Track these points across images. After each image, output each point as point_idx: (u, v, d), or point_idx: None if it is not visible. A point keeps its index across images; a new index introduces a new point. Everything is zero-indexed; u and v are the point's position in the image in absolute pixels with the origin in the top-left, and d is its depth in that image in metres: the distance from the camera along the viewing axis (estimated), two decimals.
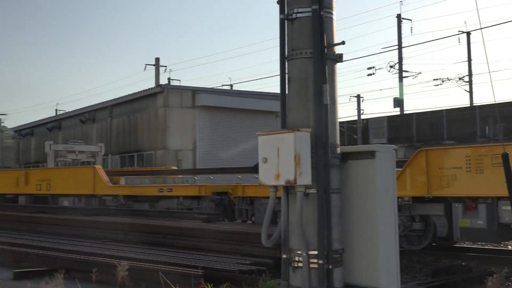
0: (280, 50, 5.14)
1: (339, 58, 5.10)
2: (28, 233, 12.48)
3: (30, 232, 12.64)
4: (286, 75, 5.07)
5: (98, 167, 16.47)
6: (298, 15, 4.96)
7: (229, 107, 28.03)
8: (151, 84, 43.24)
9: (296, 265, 4.77)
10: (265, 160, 4.76)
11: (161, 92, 27.03)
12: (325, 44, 4.93)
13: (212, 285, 6.46)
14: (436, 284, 7.75)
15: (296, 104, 4.95)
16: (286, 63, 5.10)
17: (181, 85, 29.18)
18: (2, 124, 23.68)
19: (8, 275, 8.16)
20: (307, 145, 4.69)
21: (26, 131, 40.62)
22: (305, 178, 4.62)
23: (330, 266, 4.70)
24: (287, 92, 5.06)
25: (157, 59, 38.83)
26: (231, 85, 36.85)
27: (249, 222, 13.06)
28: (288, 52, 5.08)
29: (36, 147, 39.02)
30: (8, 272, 8.39)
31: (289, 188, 4.86)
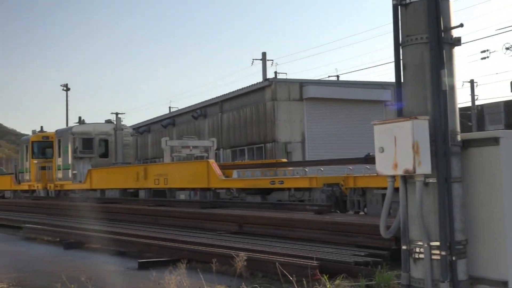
0: (394, 37, 4.97)
1: (457, 41, 4.85)
2: (148, 225, 13.08)
3: (151, 224, 13.24)
4: (401, 62, 4.90)
5: (211, 161, 16.90)
6: None
7: (336, 98, 27.76)
8: (259, 78, 43.78)
9: (417, 257, 4.62)
10: (382, 150, 4.64)
11: (269, 86, 27.27)
12: (442, 28, 4.71)
13: (327, 276, 6.41)
14: None
15: (413, 91, 4.77)
16: (401, 50, 4.93)
17: (288, 78, 29.25)
18: (122, 123, 24.95)
19: (133, 264, 8.60)
20: (426, 133, 4.51)
21: (143, 129, 42.64)
22: (425, 167, 4.45)
23: (454, 258, 4.50)
24: (402, 79, 4.90)
25: (264, 54, 39.20)
26: (338, 76, 36.43)
27: (362, 213, 12.87)
28: (402, 39, 4.91)
29: (153, 143, 40.85)
30: (133, 262, 8.84)
31: (407, 178, 4.70)
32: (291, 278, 5.89)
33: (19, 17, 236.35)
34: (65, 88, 53.85)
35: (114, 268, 8.46)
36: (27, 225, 14.07)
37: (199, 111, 34.16)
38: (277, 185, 14.59)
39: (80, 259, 9.61)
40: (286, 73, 40.29)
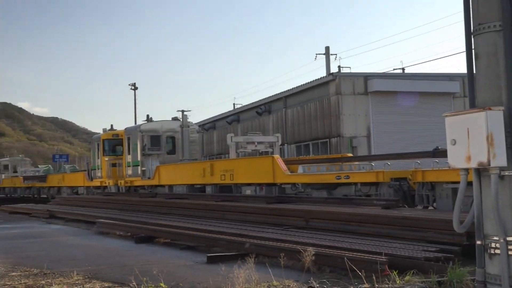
0: (465, 26, 4.81)
1: None
2: (215, 220, 13.24)
3: (218, 219, 13.39)
4: (473, 51, 4.73)
5: (277, 156, 16.90)
6: None
7: (402, 91, 27.16)
8: (322, 73, 43.45)
9: (492, 252, 4.45)
10: (454, 142, 4.49)
11: (333, 80, 27.01)
12: None
13: (397, 272, 6.29)
14: None
15: (486, 81, 4.60)
16: (472, 39, 4.75)
17: (353, 72, 28.87)
18: (188, 120, 25.34)
19: (202, 258, 8.74)
20: (500, 125, 4.34)
21: (208, 125, 43.18)
22: (500, 160, 4.28)
23: None
24: (474, 69, 4.73)
25: (327, 48, 38.85)
26: (403, 69, 35.62)
27: (430, 208, 12.54)
28: (474, 27, 4.73)
29: (218, 140, 41.31)
30: (201, 256, 8.99)
31: (481, 171, 4.54)
32: (360, 274, 5.81)
33: (90, 22, 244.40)
34: (133, 87, 55.23)
35: (184, 262, 8.62)
36: (100, 220, 14.56)
37: (263, 107, 34.24)
38: (343, 180, 14.43)
39: (151, 253, 9.85)
40: (350, 67, 39.71)
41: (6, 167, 54.67)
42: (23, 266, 8.38)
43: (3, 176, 53.15)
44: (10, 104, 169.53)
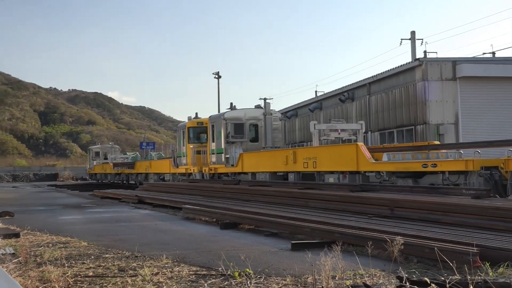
0: None
1: None
2: (298, 207, 13.29)
3: (300, 206, 13.43)
4: None
5: (360, 144, 16.68)
6: None
7: (493, 76, 26.01)
8: (407, 59, 42.31)
9: None
10: None
11: (419, 66, 26.26)
12: None
13: (489, 263, 6.08)
14: None
15: None
16: None
17: (440, 57, 27.91)
18: (270, 108, 25.47)
19: (286, 245, 8.81)
20: None
21: (291, 113, 43.20)
22: None
23: None
24: None
25: (413, 33, 37.76)
26: (493, 53, 34.04)
27: None
28: None
29: (300, 127, 41.28)
30: (285, 243, 9.07)
31: None
32: (450, 264, 5.66)
33: (174, 12, 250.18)
34: (216, 76, 56.17)
35: (268, 248, 8.72)
36: (186, 206, 14.97)
37: (346, 94, 33.84)
38: (429, 168, 14.05)
39: (236, 239, 10.03)
40: (436, 52, 38.40)
41: (97, 153, 57.16)
42: (116, 249, 8.77)
43: (94, 162, 55.69)
44: (101, 93, 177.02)
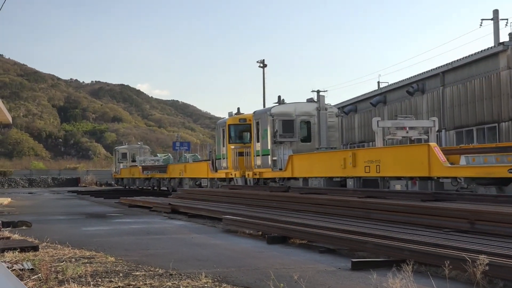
0: None
1: None
2: (358, 219, 13.19)
3: (361, 218, 13.34)
4: None
5: (433, 144, 16.45)
6: None
7: None
8: (489, 43, 41.51)
9: None
10: None
11: (503, 51, 25.75)
12: None
13: None
14: None
15: None
16: None
17: None
18: (325, 102, 25.36)
19: (345, 264, 8.76)
20: None
21: (349, 108, 43.00)
22: None
23: None
24: None
25: (495, 12, 37.01)
26: None
27: None
28: None
29: (361, 125, 41.02)
30: (344, 261, 9.02)
31: None
32: None
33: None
34: (261, 65, 56.31)
35: (324, 267, 8.69)
36: (227, 216, 15.06)
37: (415, 86, 33.45)
38: None
39: (285, 255, 10.04)
40: None
41: (124, 155, 57.93)
42: (147, 265, 8.90)
43: (121, 165, 56.59)
44: (128, 86, 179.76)
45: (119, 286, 7.26)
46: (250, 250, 10.87)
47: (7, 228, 14.88)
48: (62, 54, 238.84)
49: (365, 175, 18.67)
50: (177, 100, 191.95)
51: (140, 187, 48.95)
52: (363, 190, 17.53)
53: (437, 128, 20.51)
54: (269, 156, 24.97)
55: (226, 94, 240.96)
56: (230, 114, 30.13)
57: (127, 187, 53.62)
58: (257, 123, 26.13)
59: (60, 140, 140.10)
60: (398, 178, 17.48)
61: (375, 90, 41.53)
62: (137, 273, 8.25)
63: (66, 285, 7.21)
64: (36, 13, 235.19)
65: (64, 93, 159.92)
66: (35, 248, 10.71)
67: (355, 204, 14.56)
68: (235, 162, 27.73)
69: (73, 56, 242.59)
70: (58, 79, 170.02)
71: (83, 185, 71.34)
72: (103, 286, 7.28)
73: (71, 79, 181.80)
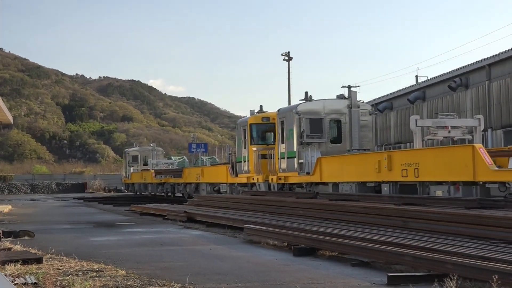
0: None
1: None
2: (395, 229, 13.16)
3: (397, 227, 13.30)
4: None
5: (478, 146, 16.34)
6: None
7: None
8: None
9: None
10: None
11: None
12: None
13: None
14: None
15: None
16: None
17: None
18: (357, 99, 25.26)
19: (381, 278, 8.74)
20: None
21: (383, 105, 42.87)
22: None
23: None
24: None
25: None
26: None
27: None
28: None
29: (397, 124, 40.88)
30: (380, 275, 9.00)
31: None
32: None
33: None
34: (286, 58, 56.37)
35: (357, 282, 8.68)
36: (249, 225, 15.10)
37: (458, 80, 33.24)
38: None
39: (314, 268, 10.04)
40: None
41: (135, 158, 58.22)
42: (161, 279, 8.95)
43: (131, 169, 56.90)
44: (139, 82, 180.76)
45: None
46: (274, 263, 10.89)
47: (8, 239, 15.05)
48: (67, 47, 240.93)
49: (402, 179, 18.60)
50: (193, 97, 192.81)
51: (153, 193, 49.19)
52: (400, 197, 17.48)
53: (482, 127, 20.39)
54: (295, 159, 24.96)
55: (247, 91, 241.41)
56: (251, 112, 30.17)
57: (138, 193, 53.94)
58: (282, 122, 26.14)
59: (65, 141, 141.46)
60: (439, 183, 17.40)
61: (413, 85, 41.33)
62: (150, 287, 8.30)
63: None
64: (38, 2, 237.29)
65: (69, 90, 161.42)
66: (38, 260, 10.82)
67: (391, 212, 14.52)
68: (257, 165, 27.76)
69: (79, 49, 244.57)
70: (63, 74, 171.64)
71: (90, 191, 71.96)
72: None
73: (76, 74, 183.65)
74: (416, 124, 19.57)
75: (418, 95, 38.37)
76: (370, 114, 25.93)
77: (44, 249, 12.43)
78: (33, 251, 12.27)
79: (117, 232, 18.28)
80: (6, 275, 9.04)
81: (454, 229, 12.10)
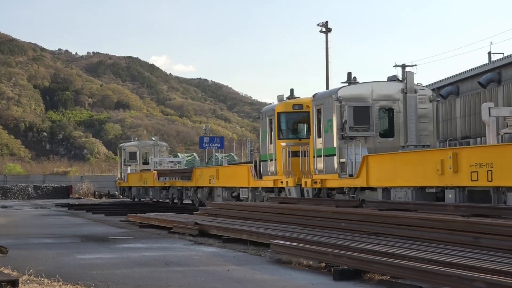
0: None
1: None
2: (463, 246, 13.11)
3: (467, 245, 13.25)
4: None
5: None
6: None
7: None
8: None
9: None
10: None
11: None
12: None
13: None
14: None
15: None
16: None
17: None
18: (414, 82, 25.07)
19: None
20: None
21: (447, 89, 42.66)
22: None
23: None
24: None
25: None
26: None
27: None
28: None
29: (464, 113, 40.64)
30: None
31: None
32: None
33: None
34: (323, 29, 56.23)
35: None
36: (277, 241, 15.09)
37: None
38: None
39: None
40: None
41: (132, 155, 58.20)
42: None
43: (128, 169, 57.02)
44: (137, 59, 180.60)
45: None
46: None
47: None
48: (48, 16, 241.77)
49: (472, 184, 18.53)
50: (206, 79, 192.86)
51: (155, 200, 49.43)
52: (468, 206, 17.41)
53: None
54: (335, 157, 24.91)
55: (273, 72, 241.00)
56: (280, 98, 30.13)
57: (136, 199, 54.21)
58: (318, 111, 26.10)
59: (45, 134, 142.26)
60: None
61: (485, 65, 41.11)
62: None
63: None
64: None
65: (50, 69, 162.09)
66: (13, 283, 10.84)
67: (457, 225, 14.48)
68: (287, 165, 27.75)
69: (63, 19, 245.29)
70: (42, 49, 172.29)
71: (76, 197, 72.33)
72: None
73: (59, 49, 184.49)
74: (489, 114, 19.48)
75: (492, 76, 38.13)
76: (430, 101, 25.81)
77: (20, 269, 12.51)
78: (6, 271, 12.33)
79: (110, 248, 18.33)
80: None
81: None
